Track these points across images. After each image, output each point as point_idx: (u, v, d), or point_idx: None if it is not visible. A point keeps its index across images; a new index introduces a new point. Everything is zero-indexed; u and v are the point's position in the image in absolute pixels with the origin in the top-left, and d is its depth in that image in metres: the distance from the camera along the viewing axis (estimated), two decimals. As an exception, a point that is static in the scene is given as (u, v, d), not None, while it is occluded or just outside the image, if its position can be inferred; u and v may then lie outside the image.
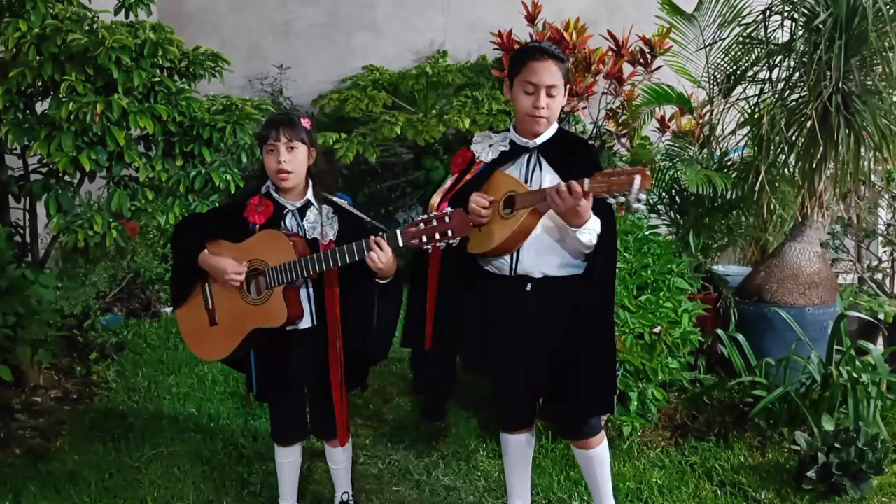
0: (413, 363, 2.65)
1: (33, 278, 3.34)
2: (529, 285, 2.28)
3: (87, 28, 3.25)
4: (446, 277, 2.36)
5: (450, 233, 2.11)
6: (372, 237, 2.20)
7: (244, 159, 3.62)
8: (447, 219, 2.11)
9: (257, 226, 2.36)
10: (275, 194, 2.41)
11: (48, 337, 3.49)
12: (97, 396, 3.67)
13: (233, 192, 3.55)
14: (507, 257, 2.27)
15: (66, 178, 3.41)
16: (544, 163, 2.29)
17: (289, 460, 2.61)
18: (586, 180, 2.06)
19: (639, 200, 2.00)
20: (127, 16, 3.46)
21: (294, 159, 2.33)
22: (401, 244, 2.18)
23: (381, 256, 2.19)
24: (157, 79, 3.35)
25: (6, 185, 3.53)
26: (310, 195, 2.42)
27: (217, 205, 3.59)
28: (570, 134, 2.54)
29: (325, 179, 2.47)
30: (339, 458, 2.65)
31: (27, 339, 3.39)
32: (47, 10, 3.16)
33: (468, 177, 2.36)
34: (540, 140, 2.30)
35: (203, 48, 3.66)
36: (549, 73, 2.21)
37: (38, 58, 3.13)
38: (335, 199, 2.46)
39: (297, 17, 6.17)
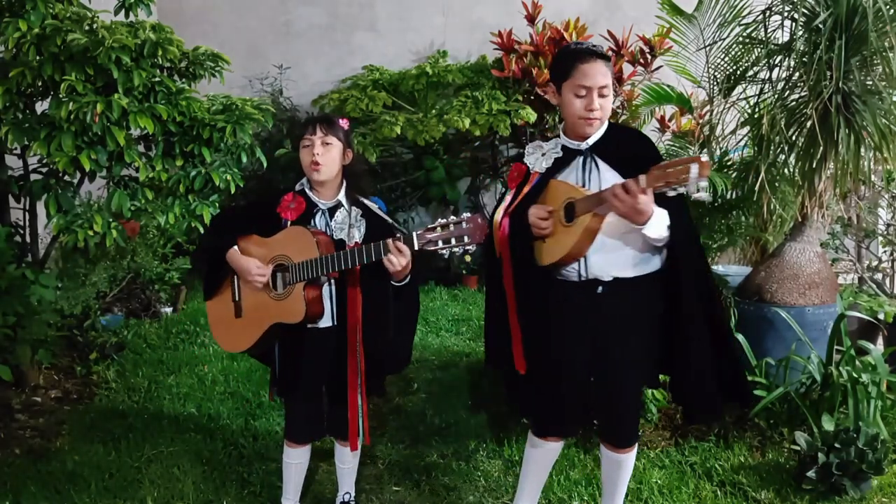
0: (509, 383, 2.54)
1: (33, 278, 3.34)
2: (601, 288, 2.24)
3: (87, 28, 3.25)
4: (518, 292, 2.31)
5: (465, 238, 2.11)
6: (391, 240, 2.20)
7: (244, 159, 3.63)
8: (463, 224, 2.12)
9: (289, 222, 2.40)
10: (308, 192, 2.45)
11: (48, 337, 3.49)
12: (97, 396, 3.67)
13: (233, 192, 3.55)
14: (575, 263, 2.23)
15: (66, 178, 3.41)
16: (600, 162, 2.25)
17: (297, 461, 2.61)
18: (642, 177, 2.02)
19: (699, 189, 1.95)
20: (127, 16, 3.46)
21: (327, 153, 2.37)
22: (416, 247, 2.18)
23: (400, 260, 2.21)
24: (157, 79, 3.35)
25: (6, 185, 3.53)
26: (341, 196, 2.44)
27: (218, 204, 3.60)
28: (622, 127, 2.50)
29: (359, 182, 2.50)
30: (348, 459, 2.65)
31: (27, 339, 3.39)
32: (47, 10, 3.16)
33: (526, 189, 2.31)
34: (591, 140, 2.27)
35: (203, 48, 3.66)
36: (601, 73, 2.18)
37: (38, 58, 3.13)
38: (367, 202, 2.48)
39: (297, 17, 6.17)
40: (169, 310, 4.87)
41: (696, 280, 2.26)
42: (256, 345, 2.43)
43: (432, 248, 2.16)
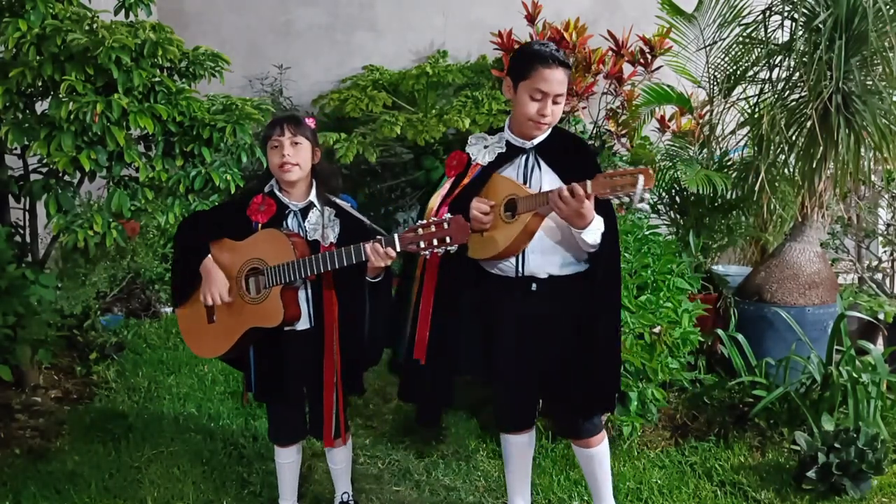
0: (395, 368, 2.57)
1: (33, 278, 3.34)
2: (535, 285, 2.27)
3: (87, 28, 3.24)
4: (446, 283, 2.33)
5: (448, 239, 2.09)
6: (372, 242, 2.19)
7: (244, 159, 3.62)
8: (446, 225, 2.09)
9: (260, 224, 2.37)
10: (278, 194, 2.41)
11: (48, 337, 3.49)
12: (97, 396, 3.67)
13: (233, 192, 3.55)
14: (513, 259, 2.26)
15: (66, 178, 3.41)
16: (542, 163, 2.28)
17: (288, 461, 2.61)
18: (588, 183, 2.05)
19: (642, 200, 2.00)
20: (127, 16, 3.46)
21: (297, 154, 2.34)
22: (398, 249, 2.17)
23: (380, 260, 2.19)
24: (157, 79, 3.35)
25: (6, 185, 3.53)
26: (312, 196, 2.42)
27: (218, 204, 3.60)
28: (566, 132, 2.52)
29: (329, 180, 2.48)
30: (339, 459, 2.65)
31: (27, 339, 3.39)
32: (47, 10, 3.15)
33: (466, 180, 2.33)
34: (536, 140, 2.29)
35: (203, 48, 3.65)
36: (559, 81, 2.19)
37: (38, 58, 3.12)
38: (338, 201, 2.46)
39: (297, 17, 6.17)
40: (169, 310, 4.86)
41: (608, 289, 2.29)
42: (231, 349, 2.39)
43: (414, 248, 2.13)
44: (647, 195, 2.00)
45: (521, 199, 2.19)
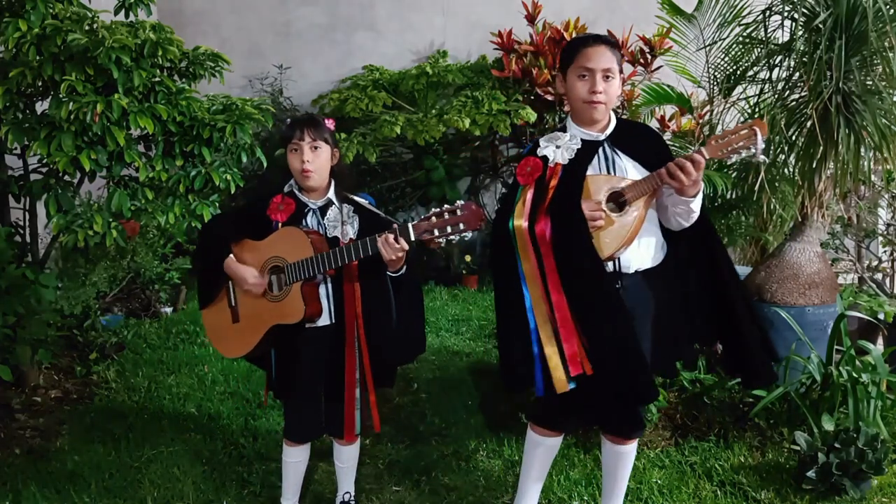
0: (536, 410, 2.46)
1: (33, 278, 3.34)
2: (620, 281, 2.24)
3: (87, 28, 3.24)
4: (577, 291, 2.18)
5: (461, 226, 2.11)
6: (386, 232, 2.20)
7: (244, 159, 3.63)
8: (458, 211, 2.11)
9: (279, 224, 2.39)
10: (297, 193, 2.45)
11: (48, 337, 3.49)
12: (97, 396, 3.67)
13: (233, 191, 3.55)
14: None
15: (66, 178, 3.41)
16: (619, 152, 2.27)
17: (296, 460, 2.61)
18: (703, 149, 2.11)
19: (762, 152, 2.09)
20: (127, 16, 3.46)
21: (317, 158, 2.37)
22: (412, 238, 2.18)
23: (393, 251, 2.19)
24: (157, 79, 3.35)
25: (6, 185, 3.54)
26: (331, 194, 2.44)
27: (218, 204, 3.60)
28: (629, 121, 2.56)
29: (346, 179, 2.51)
30: (346, 457, 2.65)
31: (27, 339, 3.39)
32: (47, 10, 3.15)
33: (554, 183, 2.24)
34: (608, 131, 2.29)
35: (203, 48, 3.66)
36: (604, 56, 2.20)
37: (38, 58, 3.12)
38: (356, 198, 2.48)
39: (297, 17, 6.17)
40: (169, 310, 4.87)
41: (725, 254, 2.39)
42: (256, 348, 2.42)
43: (428, 237, 2.15)
44: (762, 146, 2.09)
45: (629, 187, 2.20)
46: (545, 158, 2.28)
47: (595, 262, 2.17)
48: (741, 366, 2.39)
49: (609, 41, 2.24)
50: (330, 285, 2.39)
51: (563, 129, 2.33)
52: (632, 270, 2.25)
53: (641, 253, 2.26)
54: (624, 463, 2.45)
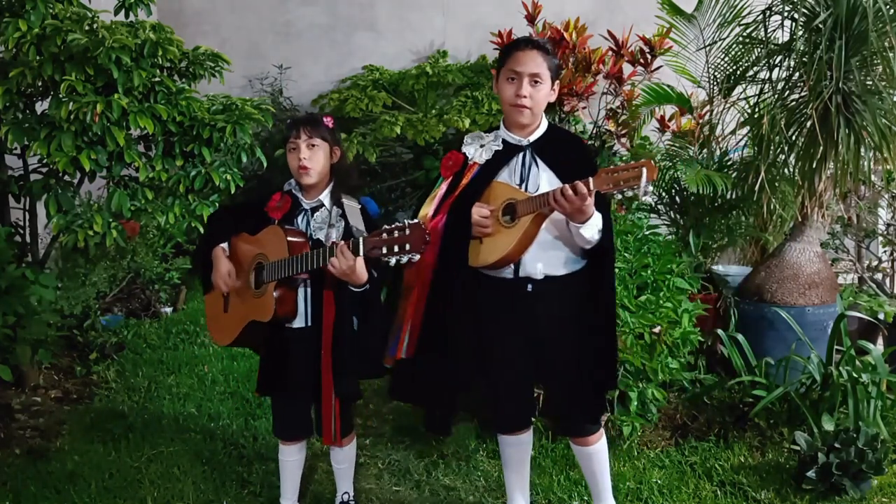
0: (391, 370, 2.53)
1: (33, 278, 3.34)
2: (530, 286, 2.27)
3: (87, 28, 3.24)
4: (439, 286, 2.30)
5: (407, 246, 2.02)
6: (339, 243, 2.18)
7: (244, 159, 3.63)
8: (407, 231, 2.03)
9: (276, 221, 2.41)
10: (295, 192, 2.46)
11: (48, 337, 3.49)
12: (97, 396, 3.67)
13: (233, 191, 3.56)
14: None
15: (66, 178, 3.41)
16: (539, 161, 2.28)
17: (292, 458, 2.61)
18: (591, 179, 2.06)
19: (646, 193, 2.03)
20: (127, 16, 3.46)
21: (314, 156, 2.37)
22: (361, 252, 2.13)
23: (342, 263, 2.15)
24: (157, 79, 3.35)
25: (6, 185, 3.53)
26: (324, 196, 2.44)
27: (218, 204, 3.61)
28: (560, 129, 2.53)
29: (348, 179, 2.50)
30: (341, 459, 2.65)
31: (27, 339, 3.39)
32: (47, 10, 3.15)
33: (464, 181, 2.32)
34: (532, 137, 2.29)
35: (203, 48, 3.66)
36: (533, 62, 2.21)
37: (38, 58, 3.12)
38: (348, 201, 2.44)
39: (297, 17, 6.17)
40: (169, 310, 4.86)
41: (609, 288, 2.33)
42: (237, 340, 2.46)
43: (377, 253, 2.08)
44: (650, 188, 2.02)
45: (521, 202, 2.18)
46: (466, 155, 2.35)
47: (458, 266, 2.24)
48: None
49: (542, 46, 2.23)
50: (309, 289, 2.39)
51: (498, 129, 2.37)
52: (540, 276, 2.25)
53: (549, 259, 2.25)
54: (594, 463, 2.45)
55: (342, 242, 2.18)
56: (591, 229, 2.16)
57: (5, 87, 3.12)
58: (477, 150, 2.34)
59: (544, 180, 2.25)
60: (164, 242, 4.47)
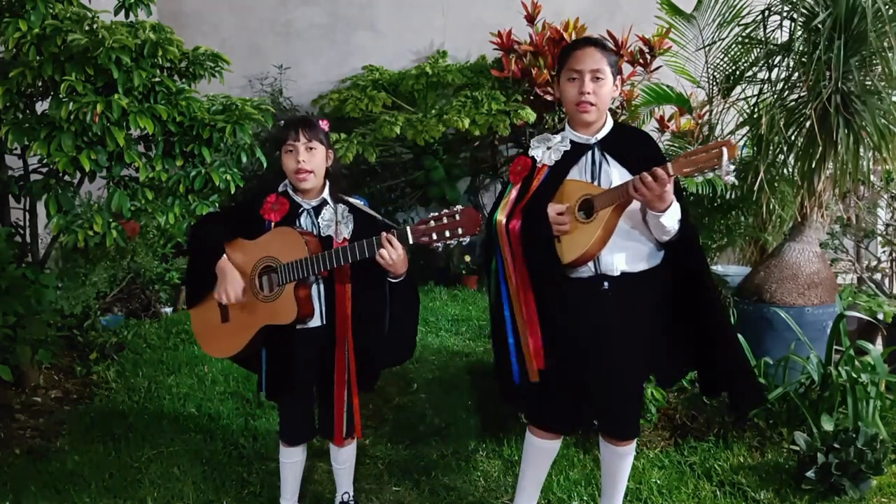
0: (510, 396, 2.47)
1: (33, 278, 3.35)
2: (606, 283, 2.24)
3: (87, 28, 3.25)
4: (546, 293, 2.26)
5: (459, 230, 2.11)
6: (383, 234, 2.20)
7: (244, 159, 3.63)
8: (457, 216, 2.11)
9: (272, 223, 2.38)
10: (291, 193, 2.43)
11: (48, 337, 3.49)
12: (97, 396, 3.67)
13: (233, 192, 3.56)
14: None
15: (66, 178, 3.41)
16: (608, 158, 2.26)
17: (293, 460, 2.61)
18: (669, 164, 2.06)
19: (728, 173, 2.02)
20: (127, 16, 3.47)
21: (312, 159, 2.36)
22: (410, 241, 2.18)
23: (392, 253, 2.20)
24: (157, 79, 3.35)
25: (6, 185, 3.54)
26: (325, 194, 2.44)
27: (218, 204, 3.60)
28: (627, 126, 2.51)
29: (340, 181, 2.51)
30: (343, 458, 2.65)
31: (27, 339, 3.39)
32: (47, 10, 3.16)
33: (535, 184, 2.29)
34: (600, 135, 2.28)
35: (203, 48, 3.66)
36: (592, 58, 2.20)
37: (38, 58, 3.13)
38: (351, 199, 2.47)
39: (297, 17, 6.18)
40: (169, 310, 4.87)
41: (707, 273, 2.33)
42: (245, 348, 2.40)
43: (426, 241, 2.14)
44: (731, 167, 2.01)
45: (598, 196, 2.17)
46: (534, 158, 2.33)
47: (551, 264, 2.22)
48: (726, 389, 2.40)
49: (600, 43, 2.24)
50: (322, 286, 2.38)
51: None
52: (617, 273, 2.24)
53: (625, 255, 2.24)
54: (622, 464, 2.45)
55: (384, 234, 2.19)
56: (671, 218, 2.15)
57: (5, 87, 3.12)
58: (545, 153, 2.32)
59: (616, 176, 2.23)
60: (164, 243, 4.48)
